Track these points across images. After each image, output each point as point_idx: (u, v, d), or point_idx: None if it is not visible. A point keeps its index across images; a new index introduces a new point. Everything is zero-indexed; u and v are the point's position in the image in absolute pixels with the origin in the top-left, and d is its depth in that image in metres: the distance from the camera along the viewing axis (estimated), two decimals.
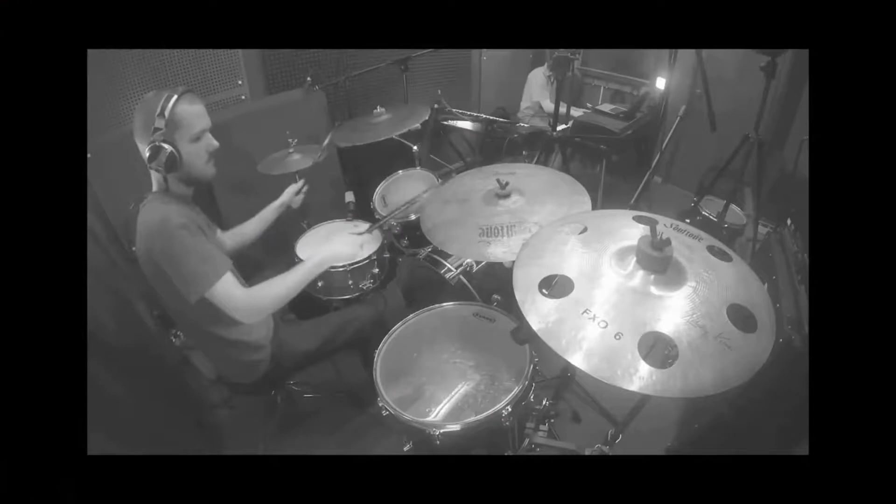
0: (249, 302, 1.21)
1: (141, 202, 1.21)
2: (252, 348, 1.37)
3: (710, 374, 0.69)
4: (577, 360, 0.72)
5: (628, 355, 0.71)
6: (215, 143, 1.24)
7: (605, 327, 0.74)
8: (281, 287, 1.26)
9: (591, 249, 0.90)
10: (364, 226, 1.86)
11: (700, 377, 0.69)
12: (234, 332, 1.30)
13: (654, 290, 0.79)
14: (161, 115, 1.12)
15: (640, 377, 0.69)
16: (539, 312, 0.79)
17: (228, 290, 1.17)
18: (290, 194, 1.71)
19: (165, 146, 1.13)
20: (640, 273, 0.81)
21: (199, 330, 1.29)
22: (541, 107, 3.41)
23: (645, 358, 0.70)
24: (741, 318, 0.76)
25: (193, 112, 1.17)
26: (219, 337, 1.29)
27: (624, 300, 0.79)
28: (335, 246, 1.42)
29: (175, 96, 1.13)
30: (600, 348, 0.72)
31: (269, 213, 1.66)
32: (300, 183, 1.76)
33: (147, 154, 1.14)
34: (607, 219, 1.00)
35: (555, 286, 0.85)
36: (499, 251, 1.12)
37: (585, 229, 0.96)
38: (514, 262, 0.94)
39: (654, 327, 0.74)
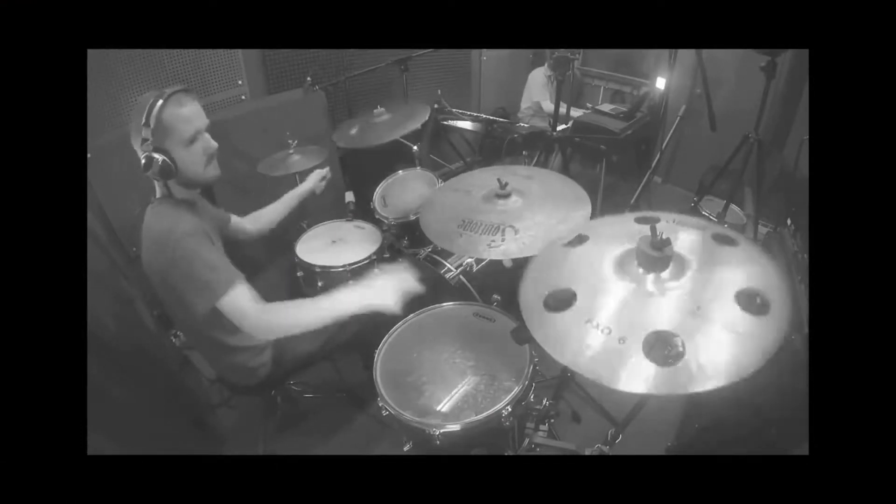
0: (261, 319, 1.12)
1: (146, 207, 1.19)
2: (253, 353, 1.37)
3: (723, 364, 0.67)
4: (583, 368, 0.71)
5: (632, 357, 0.70)
6: (213, 143, 1.18)
7: (609, 333, 0.74)
8: (303, 315, 1.14)
9: (591, 258, 0.89)
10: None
11: (712, 369, 0.67)
12: (236, 338, 1.29)
13: (656, 289, 0.79)
14: (147, 125, 1.06)
15: (645, 378, 0.68)
16: (548, 329, 0.79)
17: (240, 302, 1.11)
18: (316, 179, 1.73)
19: (156, 156, 1.08)
20: (641, 273, 0.81)
21: (201, 335, 1.29)
22: (541, 107, 3.41)
23: (648, 357, 0.70)
24: (752, 302, 0.74)
25: (182, 115, 1.10)
26: (221, 342, 1.28)
27: (626, 303, 0.78)
28: (373, 294, 1.15)
29: (160, 101, 1.06)
30: (605, 354, 0.72)
31: (292, 198, 1.68)
32: (325, 170, 1.79)
33: (142, 163, 1.09)
34: (606, 226, 1.00)
35: (557, 300, 0.84)
36: (465, 245, 1.16)
37: (586, 238, 0.95)
38: (513, 261, 0.94)
39: (657, 326, 0.74)
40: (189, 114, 1.12)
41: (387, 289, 1.16)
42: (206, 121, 1.17)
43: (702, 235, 0.89)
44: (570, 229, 1.03)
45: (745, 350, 0.69)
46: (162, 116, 1.07)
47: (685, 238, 0.87)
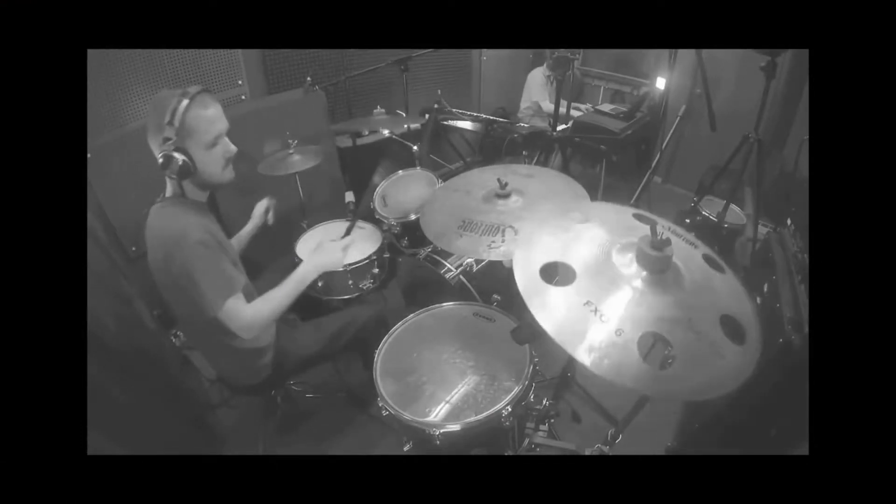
0: (251, 319, 1.21)
1: (154, 205, 1.18)
2: (256, 353, 1.37)
3: (701, 379, 0.70)
4: (578, 354, 0.71)
5: (628, 354, 0.70)
6: (233, 147, 1.19)
7: (606, 322, 0.74)
8: (273, 302, 1.27)
9: (595, 243, 0.89)
10: (342, 228, 1.82)
11: (692, 382, 0.69)
12: (238, 339, 1.28)
13: (653, 290, 0.79)
14: (171, 124, 1.06)
15: (638, 377, 0.69)
16: (543, 303, 0.79)
17: (236, 309, 1.17)
18: (260, 213, 1.62)
19: (177, 156, 1.07)
20: (640, 272, 0.81)
21: (204, 336, 1.29)
22: (539, 107, 3.41)
23: (645, 358, 0.70)
24: (732, 329, 0.76)
25: (207, 117, 1.10)
26: (224, 343, 1.28)
27: (625, 298, 0.78)
28: (320, 257, 1.41)
29: (186, 101, 1.06)
30: (601, 344, 0.72)
31: (244, 238, 1.58)
32: (265, 201, 1.65)
33: (160, 161, 1.08)
34: (611, 213, 1.00)
35: (557, 276, 0.85)
36: (466, 246, 1.15)
37: (587, 221, 0.95)
38: (512, 260, 0.94)
39: (654, 327, 0.74)
40: (213, 116, 1.12)
41: (332, 249, 1.43)
42: (226, 124, 1.17)
43: (694, 252, 0.90)
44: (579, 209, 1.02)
45: (719, 372, 0.70)
46: (187, 117, 1.07)
47: (680, 250, 0.88)
